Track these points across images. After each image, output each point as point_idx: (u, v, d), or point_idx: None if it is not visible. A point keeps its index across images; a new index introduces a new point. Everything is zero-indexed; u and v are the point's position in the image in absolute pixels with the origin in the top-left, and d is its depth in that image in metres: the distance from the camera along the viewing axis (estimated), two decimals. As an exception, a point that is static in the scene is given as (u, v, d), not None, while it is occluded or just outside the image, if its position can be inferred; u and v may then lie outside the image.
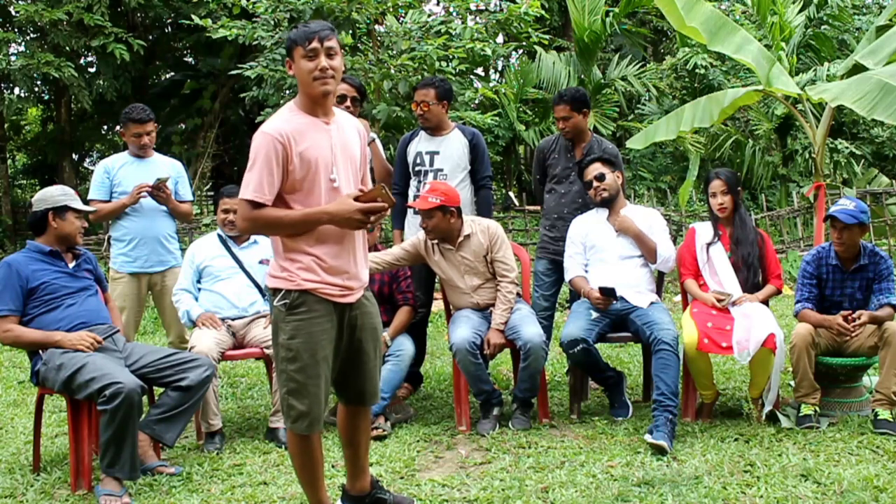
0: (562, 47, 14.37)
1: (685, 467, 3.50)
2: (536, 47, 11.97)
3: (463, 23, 9.61)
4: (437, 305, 6.07)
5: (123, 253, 4.69)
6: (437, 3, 14.40)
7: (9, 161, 16.13)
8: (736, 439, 3.87)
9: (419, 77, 8.24)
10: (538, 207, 6.71)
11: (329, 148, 2.79)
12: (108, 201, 4.67)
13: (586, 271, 4.46)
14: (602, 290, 4.23)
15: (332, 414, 3.79)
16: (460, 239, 4.32)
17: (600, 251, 4.42)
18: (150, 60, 14.92)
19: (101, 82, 12.90)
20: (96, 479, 3.54)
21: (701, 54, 13.03)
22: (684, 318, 4.27)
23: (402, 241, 4.68)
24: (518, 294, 4.37)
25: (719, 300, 4.20)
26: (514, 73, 13.35)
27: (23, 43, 12.72)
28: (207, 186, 13.94)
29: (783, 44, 10.39)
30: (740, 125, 14.38)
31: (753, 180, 13.59)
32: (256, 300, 4.42)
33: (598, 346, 4.32)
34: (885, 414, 3.90)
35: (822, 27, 13.66)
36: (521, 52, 14.29)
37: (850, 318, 4.04)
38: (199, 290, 4.45)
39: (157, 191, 4.62)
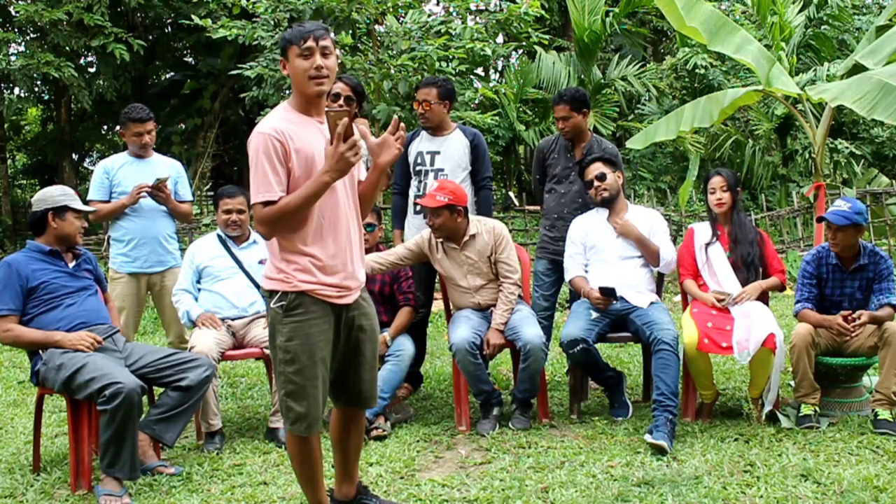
0: (562, 47, 14.37)
1: (685, 467, 3.50)
2: (536, 47, 11.97)
3: (463, 23, 9.62)
4: (438, 305, 6.06)
5: (123, 253, 4.69)
6: (437, 3, 14.40)
7: (9, 161, 16.15)
8: (736, 439, 3.86)
9: (419, 77, 8.25)
10: (538, 207, 6.71)
11: (324, 146, 2.78)
12: (108, 201, 4.66)
13: (586, 271, 4.46)
14: (602, 290, 4.23)
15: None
16: (465, 238, 4.31)
17: (600, 251, 4.42)
18: (150, 60, 14.94)
19: (101, 82, 12.91)
20: (96, 479, 3.54)
21: (701, 54, 13.03)
22: (684, 319, 4.26)
23: (403, 241, 4.68)
24: (519, 295, 4.37)
25: (719, 300, 4.20)
26: (514, 73, 13.35)
27: (23, 43, 12.73)
28: (207, 186, 13.94)
29: (783, 44, 10.39)
30: (740, 125, 14.39)
31: (753, 180, 13.59)
32: (256, 300, 4.41)
33: (598, 346, 4.32)
34: (884, 414, 3.89)
35: (822, 27, 13.66)
36: (521, 52, 14.30)
37: (849, 318, 4.04)
38: (199, 290, 4.45)
39: (157, 191, 4.61)
